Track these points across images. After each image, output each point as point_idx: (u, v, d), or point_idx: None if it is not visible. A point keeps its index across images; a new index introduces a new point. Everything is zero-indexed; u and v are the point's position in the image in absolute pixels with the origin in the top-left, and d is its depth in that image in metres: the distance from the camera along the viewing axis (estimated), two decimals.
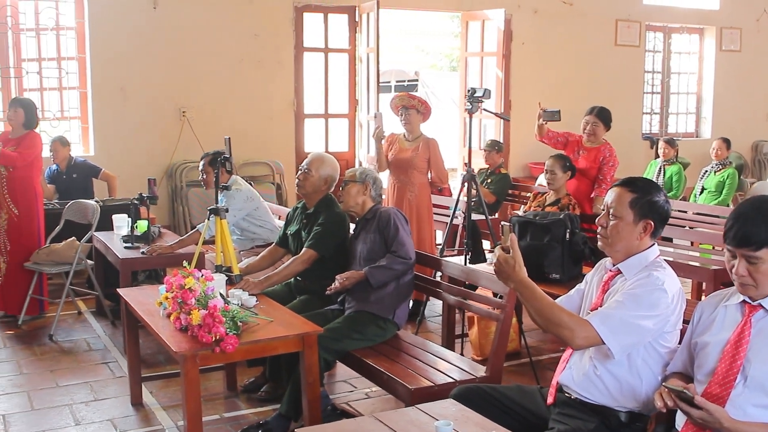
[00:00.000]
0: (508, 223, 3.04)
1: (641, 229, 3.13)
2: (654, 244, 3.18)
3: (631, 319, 2.97)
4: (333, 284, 4.78)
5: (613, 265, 3.22)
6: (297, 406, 4.36)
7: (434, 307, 6.91)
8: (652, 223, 3.13)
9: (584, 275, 3.53)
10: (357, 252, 4.97)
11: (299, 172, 5.29)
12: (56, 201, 7.86)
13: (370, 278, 4.71)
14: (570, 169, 6.34)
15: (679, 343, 3.09)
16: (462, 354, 5.33)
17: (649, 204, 3.12)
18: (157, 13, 9.11)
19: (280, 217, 6.94)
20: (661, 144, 9.66)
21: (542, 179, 9.74)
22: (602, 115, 6.82)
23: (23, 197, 6.77)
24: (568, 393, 3.20)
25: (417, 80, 24.07)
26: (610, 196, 3.19)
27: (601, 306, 3.14)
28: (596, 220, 3.24)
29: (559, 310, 3.00)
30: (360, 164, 10.30)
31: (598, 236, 3.22)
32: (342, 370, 5.32)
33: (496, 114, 6.99)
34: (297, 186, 5.33)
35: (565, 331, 2.96)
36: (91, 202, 7.07)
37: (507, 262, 2.96)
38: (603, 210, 3.21)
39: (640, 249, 3.15)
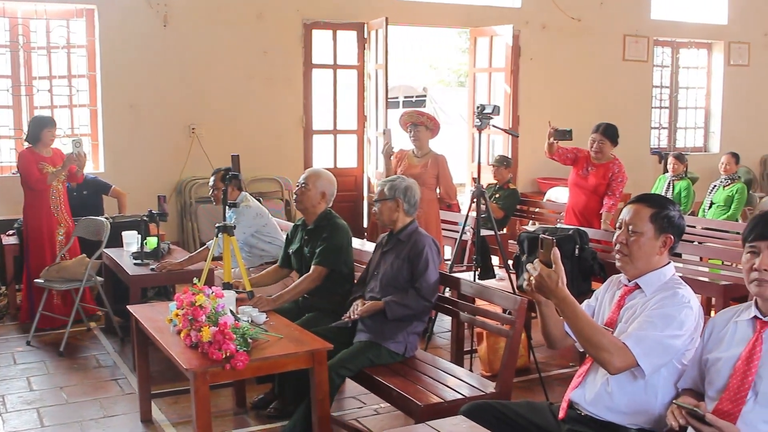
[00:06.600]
0: (551, 237, 2.99)
1: (661, 244, 3.11)
2: (670, 262, 3.17)
3: (664, 340, 2.94)
4: (350, 312, 4.76)
5: (629, 281, 3.20)
6: (307, 424, 4.32)
7: (442, 323, 6.90)
8: (672, 238, 3.12)
9: (593, 291, 3.51)
10: (380, 269, 4.85)
11: (296, 187, 5.30)
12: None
13: (388, 311, 4.61)
14: None
15: None
16: (471, 370, 5.31)
17: (667, 219, 3.11)
18: (167, 30, 9.16)
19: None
20: (670, 159, 9.65)
21: (551, 194, 9.76)
22: (608, 133, 6.84)
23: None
24: (579, 410, 3.18)
25: (425, 96, 24.11)
26: (627, 213, 3.17)
27: (615, 322, 3.14)
28: (614, 238, 3.21)
29: (601, 332, 2.96)
30: (368, 178, 10.32)
31: (616, 254, 3.19)
32: (351, 386, 5.31)
33: (504, 130, 7.00)
34: (295, 201, 5.36)
35: (604, 354, 2.91)
36: (102, 218, 7.08)
37: (550, 277, 2.92)
38: (619, 227, 3.19)
39: (659, 265, 3.13)
